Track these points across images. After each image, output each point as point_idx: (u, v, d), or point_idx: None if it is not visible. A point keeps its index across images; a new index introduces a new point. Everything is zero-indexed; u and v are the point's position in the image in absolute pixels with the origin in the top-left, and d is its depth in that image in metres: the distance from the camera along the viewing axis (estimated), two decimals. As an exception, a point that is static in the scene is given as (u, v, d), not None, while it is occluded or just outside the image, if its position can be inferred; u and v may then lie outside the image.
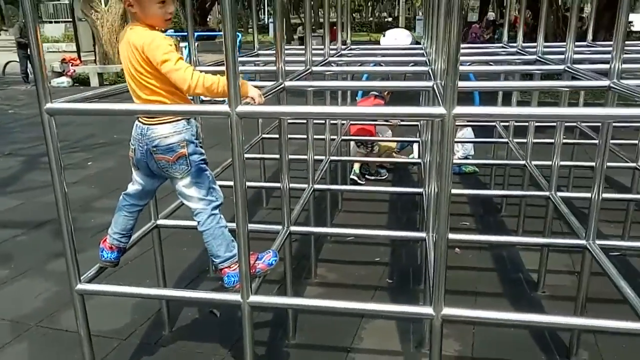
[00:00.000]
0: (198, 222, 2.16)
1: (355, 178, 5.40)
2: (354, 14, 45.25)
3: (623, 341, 2.72)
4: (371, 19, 46.72)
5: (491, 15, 21.98)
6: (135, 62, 2.00)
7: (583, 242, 2.45)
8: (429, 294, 1.97)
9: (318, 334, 2.84)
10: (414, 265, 3.61)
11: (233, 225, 1.96)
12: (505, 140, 4.29)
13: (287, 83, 2.40)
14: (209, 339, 2.84)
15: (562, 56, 2.84)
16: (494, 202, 4.77)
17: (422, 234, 2.63)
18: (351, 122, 5.12)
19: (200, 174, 2.13)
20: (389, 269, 3.61)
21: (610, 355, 2.65)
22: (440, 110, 1.60)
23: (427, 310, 1.79)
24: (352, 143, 5.46)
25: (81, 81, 13.74)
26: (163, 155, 2.07)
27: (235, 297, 1.99)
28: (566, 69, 2.66)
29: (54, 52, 22.27)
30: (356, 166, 5.47)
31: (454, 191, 2.60)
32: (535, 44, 3.57)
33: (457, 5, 1.50)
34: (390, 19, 47.52)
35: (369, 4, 48.28)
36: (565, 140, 3.05)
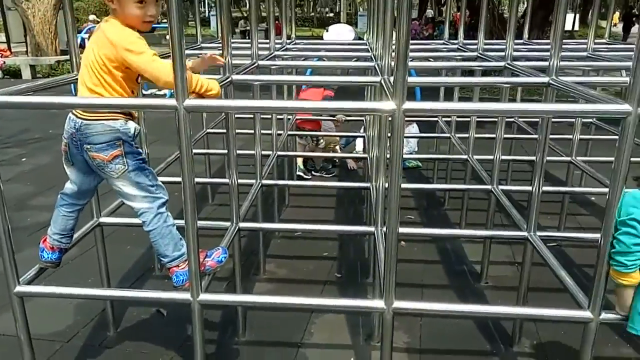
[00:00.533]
0: (143, 222, 2.06)
1: (301, 174, 5.41)
2: (295, 9, 45.06)
3: (562, 328, 2.85)
4: (313, 13, 46.75)
5: (430, 12, 22.64)
6: (99, 52, 1.90)
7: (524, 233, 2.56)
8: (380, 287, 2.01)
9: (268, 331, 2.83)
10: (361, 259, 3.65)
11: (181, 222, 1.92)
12: (448, 135, 4.42)
13: (235, 77, 2.37)
14: (156, 339, 2.76)
15: (502, 53, 2.94)
16: (437, 196, 4.90)
17: (371, 228, 2.66)
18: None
19: (140, 173, 2.02)
20: (337, 263, 3.64)
21: (550, 342, 2.78)
22: (390, 105, 1.62)
23: (378, 303, 1.82)
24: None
25: (12, 73, 13.01)
26: (97, 153, 1.96)
27: (185, 295, 1.95)
28: (506, 65, 2.76)
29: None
30: (300, 162, 5.47)
31: (405, 185, 2.69)
32: (475, 42, 3.70)
33: (407, 1, 1.52)
34: (331, 15, 47.73)
35: (310, -1, 48.36)
36: (505, 136, 3.17)
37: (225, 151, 2.63)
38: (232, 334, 2.79)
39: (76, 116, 1.96)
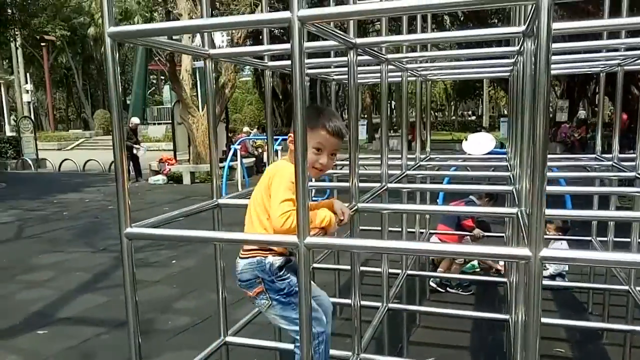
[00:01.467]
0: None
1: (435, 285, 5.13)
2: (436, 113, 45.92)
3: None
4: (454, 117, 47.12)
5: (582, 113, 21.18)
6: (263, 189, 2.07)
7: None
8: None
9: None
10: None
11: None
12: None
13: (361, 205, 2.36)
14: None
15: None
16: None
17: (509, 373, 2.35)
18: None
19: (286, 307, 2.09)
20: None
21: None
22: (524, 252, 1.46)
23: None
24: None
25: (175, 179, 14.70)
26: (245, 290, 2.13)
27: None
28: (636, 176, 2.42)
29: (154, 150, 24.30)
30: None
31: (547, 320, 2.38)
32: (633, 155, 3.36)
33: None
34: (473, 117, 47.66)
35: (451, 102, 48.95)
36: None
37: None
38: None
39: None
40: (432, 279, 5.17)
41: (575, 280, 4.90)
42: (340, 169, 4.13)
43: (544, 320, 2.19)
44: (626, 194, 3.09)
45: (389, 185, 2.88)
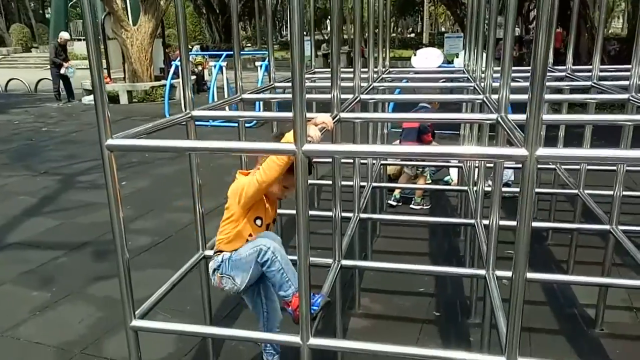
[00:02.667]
0: None
1: (394, 203, 5.31)
2: (375, 30, 45.19)
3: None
4: (394, 34, 46.76)
5: (517, 30, 21.65)
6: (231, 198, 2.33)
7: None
8: (501, 340, 1.87)
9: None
10: (461, 298, 3.49)
11: (293, 257, 1.91)
12: (552, 166, 4.16)
13: (343, 115, 2.35)
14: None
15: (622, 82, 2.75)
16: (539, 230, 4.61)
17: (481, 272, 2.52)
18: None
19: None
20: (435, 300, 3.50)
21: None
22: (521, 151, 1.51)
23: (502, 360, 1.69)
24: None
25: (111, 98, 13.95)
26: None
27: (295, 339, 1.92)
28: (630, 98, 2.55)
29: (84, 68, 22.77)
30: (397, 191, 5.38)
31: (505, 223, 2.52)
32: (583, 67, 3.50)
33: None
34: (413, 35, 47.50)
35: (392, 20, 48.34)
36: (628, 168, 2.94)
37: (329, 182, 2.60)
38: (330, 372, 2.73)
39: None
40: (391, 197, 5.31)
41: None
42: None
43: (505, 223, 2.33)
44: (586, 101, 3.23)
45: (362, 96, 2.87)
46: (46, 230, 4.98)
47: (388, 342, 1.89)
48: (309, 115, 2.14)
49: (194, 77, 14.84)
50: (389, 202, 5.28)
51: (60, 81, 14.04)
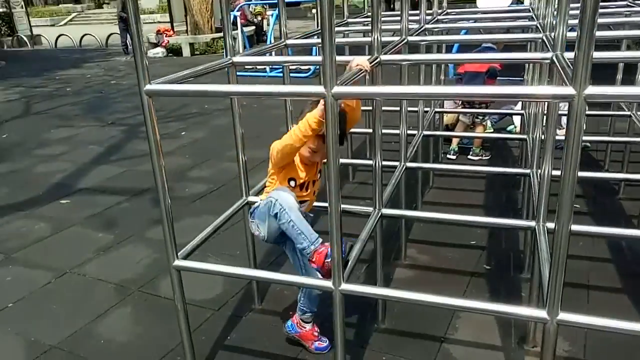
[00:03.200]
0: None
1: (453, 157, 5.08)
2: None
3: None
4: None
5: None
6: None
7: None
8: (541, 292, 1.79)
9: (409, 321, 2.72)
10: (514, 251, 3.36)
11: (324, 204, 1.88)
12: (628, 113, 3.83)
13: (383, 57, 2.24)
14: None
15: None
16: (609, 183, 4.32)
17: (531, 223, 2.39)
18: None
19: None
20: (486, 253, 3.39)
21: None
22: (567, 90, 1.38)
23: (540, 313, 1.61)
24: (449, 102, 5.04)
25: (174, 51, 14.22)
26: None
27: (327, 284, 1.92)
28: None
29: (149, 23, 23.30)
30: (455, 142, 5.14)
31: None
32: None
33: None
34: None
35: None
36: None
37: (369, 130, 2.53)
38: (371, 320, 2.74)
39: None
40: (450, 151, 5.09)
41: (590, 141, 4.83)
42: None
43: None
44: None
45: (409, 38, 2.73)
46: (111, 177, 5.24)
47: (432, 293, 1.85)
48: (345, 58, 2.08)
49: (252, 27, 14.78)
50: (448, 155, 5.09)
51: (128, 35, 14.42)
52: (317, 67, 9.05)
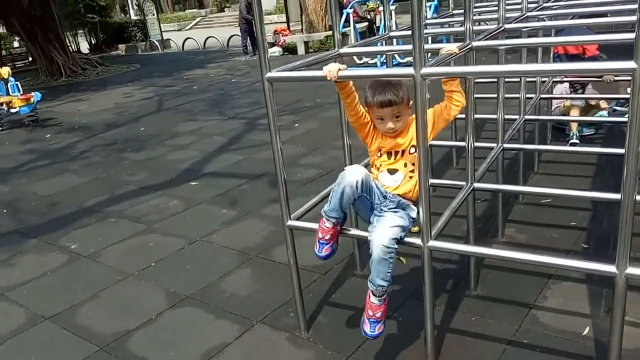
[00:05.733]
0: None
1: (577, 142, 4.90)
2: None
3: None
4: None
5: None
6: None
7: None
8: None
9: (500, 288, 2.91)
10: (615, 232, 3.35)
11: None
12: None
13: (475, 43, 2.45)
14: (395, 282, 3.08)
15: None
16: None
17: (617, 195, 2.47)
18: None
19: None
20: (586, 233, 3.43)
21: None
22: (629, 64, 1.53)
23: (610, 268, 1.76)
24: (561, 88, 5.00)
25: (290, 50, 15.01)
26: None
27: (416, 240, 2.18)
28: None
29: (267, 23, 24.54)
30: (574, 127, 4.94)
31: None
32: None
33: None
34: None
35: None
36: None
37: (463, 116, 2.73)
38: (463, 287, 2.95)
39: None
40: (572, 135, 4.91)
41: None
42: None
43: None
44: None
45: (506, 25, 2.88)
46: (233, 164, 5.86)
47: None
48: (438, 45, 2.32)
49: (366, 23, 15.10)
50: (571, 141, 4.92)
51: (248, 37, 15.47)
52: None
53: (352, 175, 2.21)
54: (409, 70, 1.90)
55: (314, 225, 2.54)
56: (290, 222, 2.54)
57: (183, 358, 2.71)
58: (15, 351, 2.95)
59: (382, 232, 2.19)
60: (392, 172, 2.33)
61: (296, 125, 7.22)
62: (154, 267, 3.71)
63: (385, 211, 2.28)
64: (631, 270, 1.71)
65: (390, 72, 2.19)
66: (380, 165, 2.36)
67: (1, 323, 3.21)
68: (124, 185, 5.53)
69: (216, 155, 6.28)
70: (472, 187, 2.68)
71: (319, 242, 2.40)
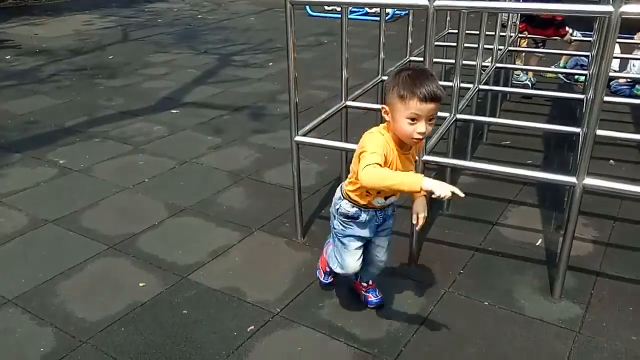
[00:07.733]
0: None
1: (530, 84, 5.80)
2: None
3: None
4: None
5: None
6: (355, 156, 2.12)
7: None
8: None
9: (468, 209, 3.38)
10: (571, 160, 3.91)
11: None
12: None
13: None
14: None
15: None
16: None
17: (577, 129, 2.93)
18: None
19: (333, 241, 2.38)
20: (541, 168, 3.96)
21: None
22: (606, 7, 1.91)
23: (570, 179, 2.21)
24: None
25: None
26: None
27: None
28: None
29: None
30: (530, 74, 5.88)
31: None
32: None
33: None
34: None
35: None
36: None
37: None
38: (437, 208, 3.39)
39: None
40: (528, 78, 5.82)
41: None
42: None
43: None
44: None
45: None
46: (212, 95, 6.03)
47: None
48: None
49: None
50: (525, 82, 5.87)
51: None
52: (395, 11, 9.45)
53: (353, 268, 2.34)
54: (424, 2, 2.19)
55: (318, 141, 2.85)
56: (297, 138, 2.86)
57: (192, 255, 3.02)
58: (24, 248, 3.12)
59: (389, 252, 2.42)
60: (388, 197, 2.21)
61: (270, 64, 7.39)
62: (149, 182, 3.93)
63: (385, 229, 2.35)
64: (588, 180, 2.16)
65: (404, 2, 2.46)
66: (378, 193, 2.17)
67: (3, 224, 3.37)
68: (103, 109, 5.60)
69: (193, 86, 6.40)
70: (455, 118, 3.08)
71: (324, 272, 2.62)
